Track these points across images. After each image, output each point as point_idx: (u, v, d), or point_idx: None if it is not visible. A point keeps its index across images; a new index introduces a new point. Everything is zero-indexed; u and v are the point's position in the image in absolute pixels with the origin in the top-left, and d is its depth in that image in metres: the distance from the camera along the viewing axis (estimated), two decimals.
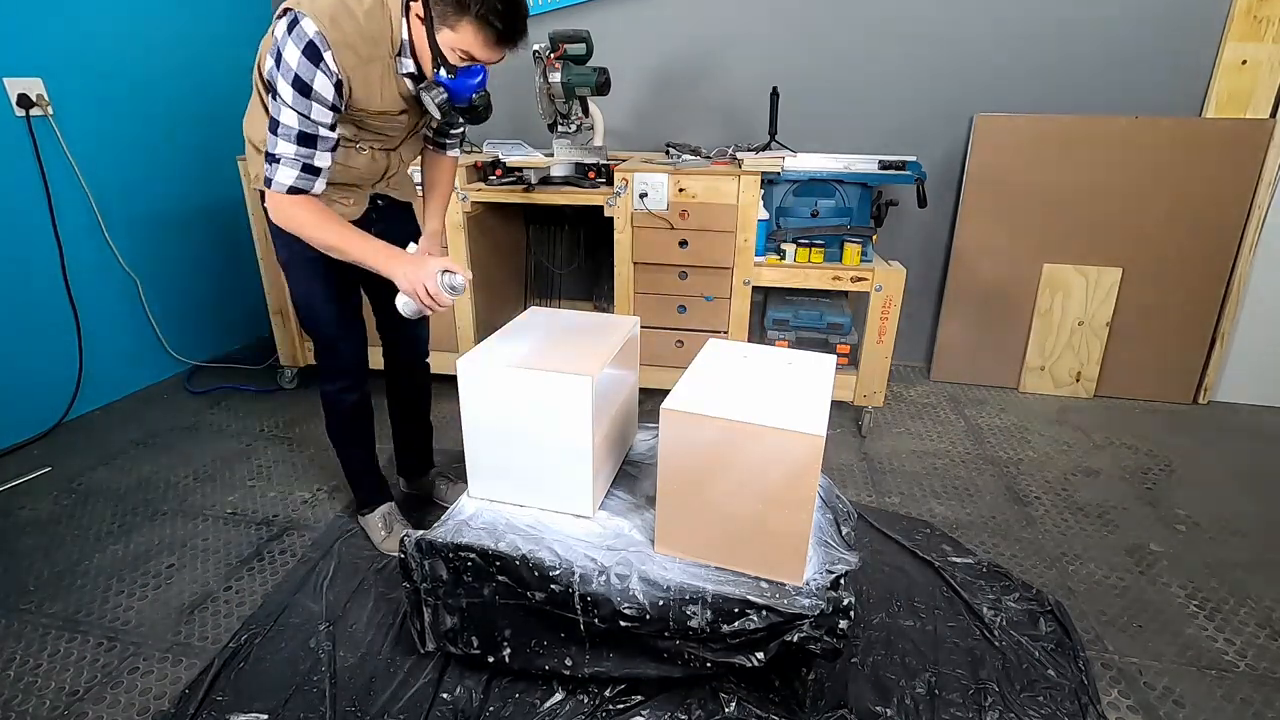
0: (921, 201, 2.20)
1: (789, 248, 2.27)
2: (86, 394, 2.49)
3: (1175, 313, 2.58)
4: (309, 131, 1.27)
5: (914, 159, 2.29)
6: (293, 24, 1.21)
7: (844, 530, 1.41)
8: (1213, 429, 2.48)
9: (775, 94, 2.40)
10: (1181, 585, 1.69)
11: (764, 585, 1.21)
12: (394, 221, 1.62)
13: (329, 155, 1.33)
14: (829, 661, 1.22)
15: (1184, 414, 2.59)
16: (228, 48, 2.89)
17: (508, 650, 1.32)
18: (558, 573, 1.23)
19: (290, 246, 1.49)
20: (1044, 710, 1.32)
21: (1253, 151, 2.38)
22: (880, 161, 2.23)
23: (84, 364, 2.46)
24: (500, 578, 1.27)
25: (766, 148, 2.42)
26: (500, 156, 2.37)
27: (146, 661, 1.46)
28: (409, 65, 1.35)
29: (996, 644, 1.47)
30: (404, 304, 1.44)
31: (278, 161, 1.29)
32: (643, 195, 2.25)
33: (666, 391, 1.24)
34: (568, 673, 1.30)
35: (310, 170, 1.31)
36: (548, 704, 1.33)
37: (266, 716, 1.31)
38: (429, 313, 1.43)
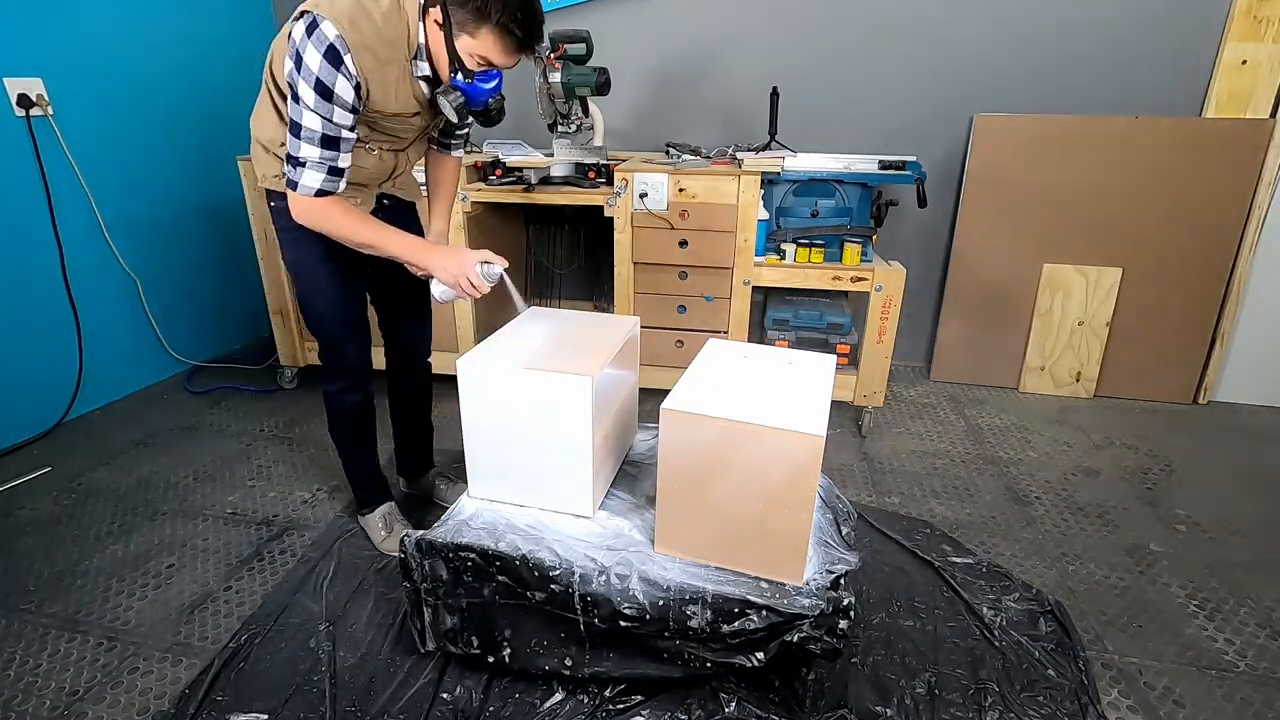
0: (921, 201, 2.20)
1: (789, 248, 2.27)
2: (86, 394, 2.49)
3: (1175, 313, 2.58)
4: (332, 134, 1.29)
5: (914, 159, 2.29)
6: (312, 26, 1.21)
7: (844, 530, 1.41)
8: (1213, 429, 2.48)
9: (775, 94, 2.40)
10: (1181, 585, 1.69)
11: (764, 585, 1.21)
12: (399, 221, 1.62)
13: (350, 156, 1.35)
14: (829, 661, 1.22)
15: (1184, 414, 2.59)
16: (228, 48, 2.89)
17: (508, 650, 1.32)
18: (558, 573, 1.23)
19: (297, 247, 1.50)
20: (1044, 710, 1.32)
21: (1253, 151, 2.39)
22: (880, 161, 2.23)
23: (84, 364, 2.46)
24: (500, 578, 1.27)
25: (766, 148, 2.42)
26: (500, 156, 2.37)
27: (146, 661, 1.46)
28: (424, 68, 1.36)
29: (996, 644, 1.47)
30: (442, 292, 1.48)
31: (303, 165, 1.30)
32: (643, 195, 2.25)
33: (666, 391, 1.24)
34: (568, 673, 1.30)
35: (335, 172, 1.33)
36: (548, 704, 1.33)
37: (266, 716, 1.31)
38: (465, 299, 1.47)
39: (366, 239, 1.39)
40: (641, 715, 1.30)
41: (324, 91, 1.24)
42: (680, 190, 2.24)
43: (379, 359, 1.80)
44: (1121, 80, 2.49)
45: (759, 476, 1.17)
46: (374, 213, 1.56)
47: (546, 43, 2.20)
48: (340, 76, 1.23)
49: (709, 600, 1.19)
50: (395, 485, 1.99)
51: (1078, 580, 1.70)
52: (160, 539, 1.85)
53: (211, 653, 1.46)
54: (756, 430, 1.14)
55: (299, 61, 1.22)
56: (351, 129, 1.32)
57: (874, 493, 2.07)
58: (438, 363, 1.91)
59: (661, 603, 1.20)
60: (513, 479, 1.38)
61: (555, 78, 2.20)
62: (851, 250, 2.23)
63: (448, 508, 1.42)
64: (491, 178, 2.36)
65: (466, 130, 1.69)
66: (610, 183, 2.31)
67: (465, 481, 1.43)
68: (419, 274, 1.51)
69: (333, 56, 1.22)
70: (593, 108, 2.40)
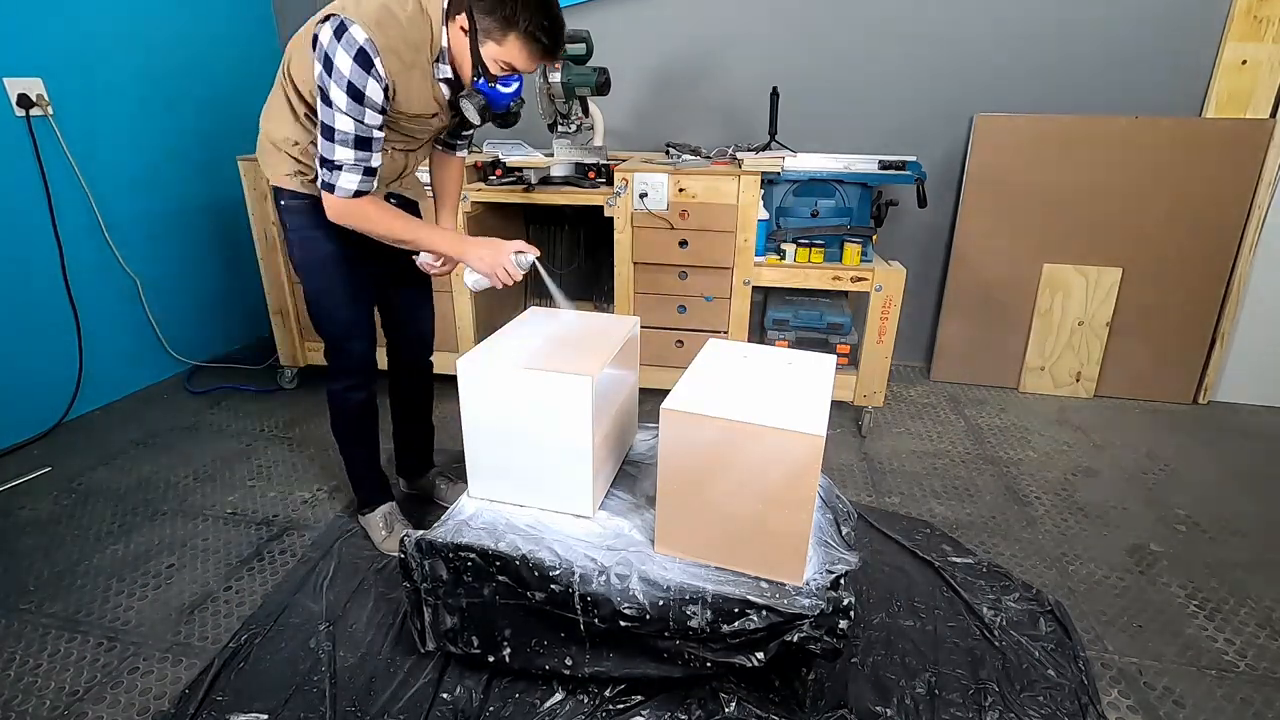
0: (921, 201, 2.20)
1: (789, 248, 2.27)
2: (86, 394, 2.49)
3: (1175, 313, 2.58)
4: (364, 135, 1.30)
5: (914, 159, 2.29)
6: (340, 30, 1.22)
7: (844, 530, 1.41)
8: (1213, 429, 2.48)
9: (775, 94, 2.40)
10: (1181, 585, 1.69)
11: (764, 585, 1.21)
12: None
13: (381, 155, 1.37)
14: (829, 661, 1.22)
15: (1184, 414, 2.59)
16: (228, 48, 2.89)
17: (508, 650, 1.32)
18: (558, 573, 1.23)
19: (304, 247, 1.51)
20: (1044, 710, 1.32)
21: (1253, 151, 2.39)
22: (880, 161, 2.23)
23: (84, 364, 2.46)
24: (500, 578, 1.27)
25: (766, 148, 2.42)
26: (500, 156, 2.37)
27: (146, 661, 1.46)
28: (446, 71, 1.37)
29: (996, 644, 1.47)
30: (474, 281, 1.53)
31: (339, 168, 1.32)
32: (643, 195, 2.25)
33: (666, 391, 1.24)
34: (568, 673, 1.30)
35: (369, 172, 1.35)
36: (548, 704, 1.33)
37: (266, 716, 1.31)
38: (499, 286, 1.50)
39: (403, 235, 1.43)
40: (641, 715, 1.30)
41: (355, 94, 1.25)
42: (680, 190, 2.24)
43: (381, 359, 1.80)
44: (1121, 80, 2.49)
45: (759, 476, 1.17)
46: None
47: None
48: (371, 79, 1.25)
49: (709, 600, 1.19)
50: (395, 485, 1.99)
51: (1078, 580, 1.70)
52: (160, 539, 1.85)
53: (211, 653, 1.46)
54: (756, 430, 1.14)
55: (329, 65, 1.23)
56: (381, 129, 1.33)
57: (874, 493, 2.07)
58: (438, 363, 1.91)
59: (661, 603, 1.20)
60: (513, 479, 1.38)
61: (555, 78, 2.20)
62: (851, 250, 2.23)
63: (448, 508, 1.42)
64: (491, 178, 2.36)
65: (472, 132, 1.70)
66: (610, 183, 2.31)
67: (465, 481, 1.43)
68: (432, 270, 1.57)
69: (363, 60, 1.23)
70: (593, 108, 2.40)
